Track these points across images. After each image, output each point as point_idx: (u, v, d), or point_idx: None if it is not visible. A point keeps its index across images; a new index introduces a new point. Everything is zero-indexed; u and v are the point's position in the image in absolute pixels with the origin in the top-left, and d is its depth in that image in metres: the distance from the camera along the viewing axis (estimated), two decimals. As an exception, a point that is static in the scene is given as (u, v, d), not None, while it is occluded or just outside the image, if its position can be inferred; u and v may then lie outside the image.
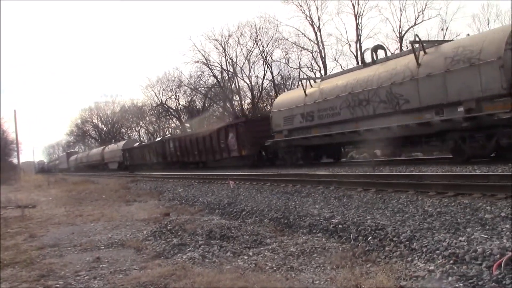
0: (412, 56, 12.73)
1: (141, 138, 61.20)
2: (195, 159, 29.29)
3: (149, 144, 40.49)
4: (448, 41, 14.03)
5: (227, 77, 43.56)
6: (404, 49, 32.26)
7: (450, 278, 3.64)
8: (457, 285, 3.52)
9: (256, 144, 21.77)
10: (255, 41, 40.17)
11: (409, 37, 32.46)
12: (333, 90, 15.96)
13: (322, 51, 36.16)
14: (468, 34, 14.16)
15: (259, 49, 40.27)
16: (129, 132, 69.31)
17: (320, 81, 18.14)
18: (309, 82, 18.08)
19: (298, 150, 18.45)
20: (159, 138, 40.42)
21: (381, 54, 16.01)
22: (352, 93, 14.77)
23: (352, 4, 33.85)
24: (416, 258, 4.34)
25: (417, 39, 13.09)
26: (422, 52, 12.44)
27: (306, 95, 17.41)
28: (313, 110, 16.83)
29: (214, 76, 43.43)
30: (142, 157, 39.46)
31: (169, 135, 40.81)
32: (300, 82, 18.53)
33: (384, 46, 19.03)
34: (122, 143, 49.37)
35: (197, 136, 28.50)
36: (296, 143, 18.24)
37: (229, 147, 23.97)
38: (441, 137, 12.23)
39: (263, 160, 22.63)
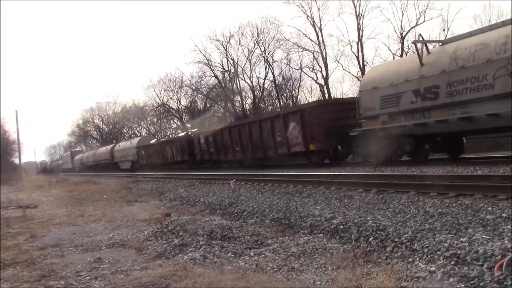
0: None
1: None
2: (236, 157, 24.18)
3: (171, 140, 34.22)
4: None
5: (228, 78, 43.66)
6: (406, 50, 32.32)
7: (451, 279, 3.64)
8: (458, 286, 3.51)
9: (331, 136, 16.74)
10: (257, 41, 40.32)
11: (410, 37, 32.48)
12: (478, 53, 11.16)
13: (324, 52, 36.24)
14: None
15: (261, 49, 40.41)
16: (130, 132, 69.40)
17: (440, 45, 13.17)
18: (426, 46, 13.02)
19: (408, 141, 13.55)
20: (184, 133, 34.07)
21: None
22: None
23: (354, 4, 33.89)
24: (417, 259, 4.33)
25: None
26: None
27: (422, 64, 12.66)
28: (438, 84, 12.08)
29: (216, 76, 43.56)
30: (162, 156, 34.19)
31: (196, 129, 33.49)
32: (415, 47, 13.18)
33: None
34: (136, 139, 44.52)
35: (240, 128, 23.32)
36: (403, 131, 13.37)
37: (288, 140, 19.18)
38: None
39: (339, 156, 18.05)
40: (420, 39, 13.13)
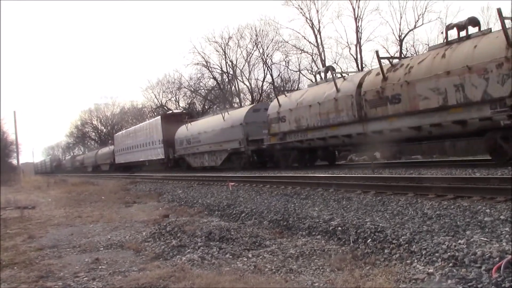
0: None
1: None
2: None
3: None
4: None
5: (227, 80, 43.70)
6: (404, 52, 32.35)
7: (449, 281, 3.64)
8: (456, 288, 3.51)
9: None
10: (255, 43, 40.37)
11: (408, 40, 32.52)
12: None
13: (322, 54, 36.27)
14: None
15: (259, 51, 40.47)
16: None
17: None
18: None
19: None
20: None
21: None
22: None
23: (352, 7, 33.95)
24: (416, 260, 4.34)
25: None
26: None
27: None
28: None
29: (214, 78, 43.59)
30: None
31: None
32: None
33: None
34: None
35: None
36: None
37: None
38: None
39: None
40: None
